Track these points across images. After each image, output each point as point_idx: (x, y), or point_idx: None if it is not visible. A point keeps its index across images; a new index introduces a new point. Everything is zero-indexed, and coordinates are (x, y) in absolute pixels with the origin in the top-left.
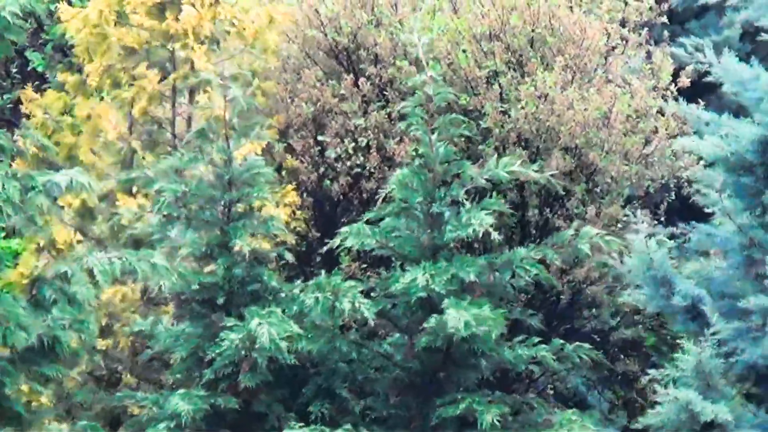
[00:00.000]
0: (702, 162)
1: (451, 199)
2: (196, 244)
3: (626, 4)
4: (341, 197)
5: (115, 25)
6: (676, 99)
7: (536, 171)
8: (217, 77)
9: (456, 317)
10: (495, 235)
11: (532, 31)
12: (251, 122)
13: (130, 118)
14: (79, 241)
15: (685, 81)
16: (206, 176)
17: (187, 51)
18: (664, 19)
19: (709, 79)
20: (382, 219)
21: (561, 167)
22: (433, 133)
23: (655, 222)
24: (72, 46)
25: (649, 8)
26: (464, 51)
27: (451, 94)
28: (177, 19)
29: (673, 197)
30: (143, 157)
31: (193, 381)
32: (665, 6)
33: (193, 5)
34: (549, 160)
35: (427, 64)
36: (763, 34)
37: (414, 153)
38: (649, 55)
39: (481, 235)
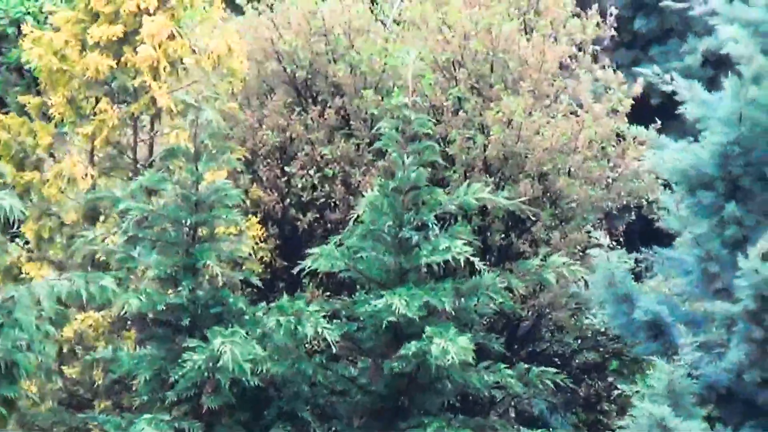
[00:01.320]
0: (661, 182)
1: (419, 223)
2: (162, 265)
3: (585, 27)
4: (306, 227)
5: (79, 53)
6: (637, 123)
7: (505, 198)
8: (188, 101)
9: (440, 345)
10: (478, 264)
11: (493, 56)
12: (220, 146)
13: (92, 146)
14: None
15: (645, 103)
16: (172, 197)
17: (147, 82)
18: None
19: (671, 103)
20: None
21: (527, 193)
22: (407, 157)
23: (617, 245)
24: (31, 69)
25: (602, 29)
26: (427, 77)
27: (430, 121)
28: (135, 52)
29: (638, 222)
30: (104, 185)
31: (156, 403)
32: (627, 32)
33: (152, 41)
34: (515, 186)
35: (376, 91)
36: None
37: (380, 183)
38: (607, 78)
39: (461, 261)
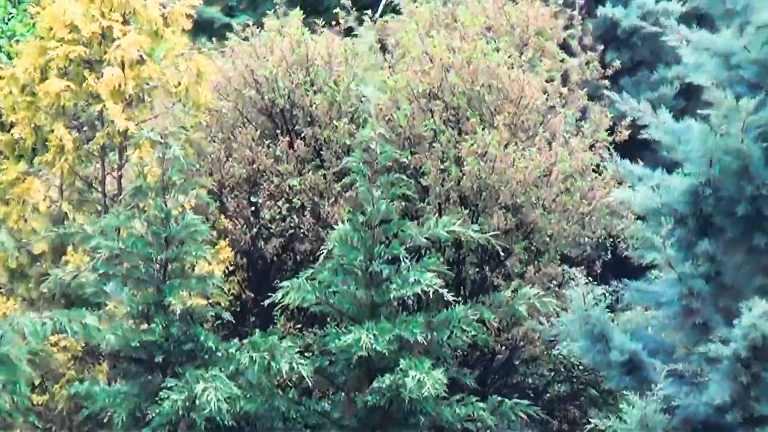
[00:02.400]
0: (634, 216)
1: (390, 257)
2: (133, 302)
3: (562, 61)
4: (275, 258)
5: (40, 82)
6: (611, 155)
7: (476, 231)
8: (154, 134)
9: (415, 378)
10: (447, 295)
11: (471, 89)
12: (188, 180)
13: (60, 179)
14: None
15: (623, 134)
16: (142, 234)
17: (111, 110)
18: (604, 75)
19: (644, 135)
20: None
21: (501, 226)
22: (376, 190)
23: (591, 279)
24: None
25: (588, 64)
26: (403, 109)
27: (396, 152)
28: (99, 78)
29: (610, 255)
30: (73, 219)
31: None
32: (609, 68)
33: (120, 64)
34: (489, 219)
35: (376, 119)
36: None
37: (350, 214)
38: (585, 111)
39: (430, 293)
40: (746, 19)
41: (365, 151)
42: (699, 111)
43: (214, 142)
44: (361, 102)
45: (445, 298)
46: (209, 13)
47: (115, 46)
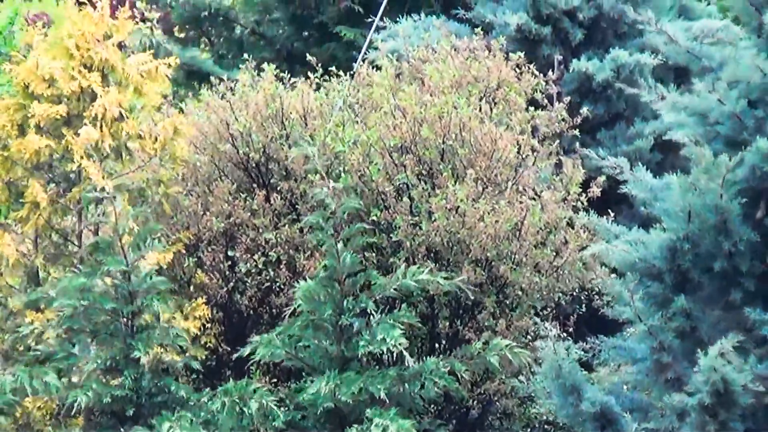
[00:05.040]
0: (610, 272)
1: (359, 310)
2: (101, 358)
3: (535, 110)
4: (251, 312)
5: (17, 137)
6: (586, 210)
7: (445, 278)
8: (120, 189)
9: (380, 425)
10: (408, 359)
11: (443, 143)
12: (143, 231)
13: (35, 233)
14: None
15: (595, 191)
16: (105, 290)
17: (88, 168)
18: (575, 131)
19: (620, 190)
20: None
21: (471, 280)
22: (343, 243)
23: (566, 334)
24: None
25: (561, 119)
26: (375, 163)
27: (355, 203)
28: (77, 134)
29: (584, 309)
30: (47, 273)
31: None
32: (577, 117)
33: (100, 121)
34: (459, 273)
35: (327, 175)
36: None
37: (324, 267)
38: (559, 164)
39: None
40: (719, 76)
41: (322, 207)
42: (677, 166)
43: (191, 195)
44: (336, 158)
45: (406, 360)
46: (199, 60)
47: (97, 105)
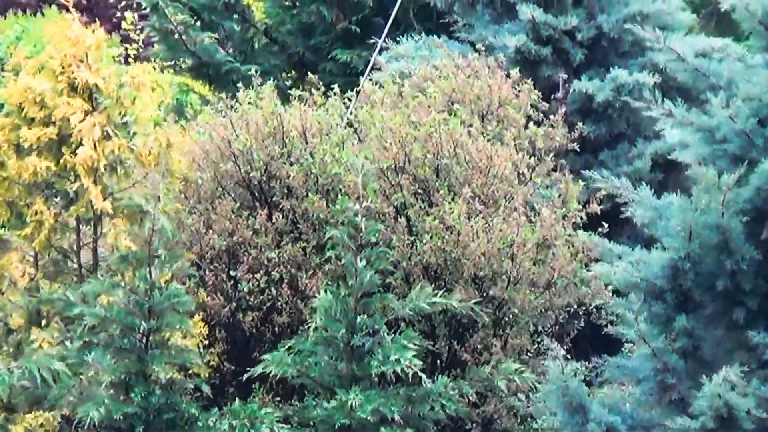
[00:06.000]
0: (610, 289)
1: (371, 330)
2: (115, 371)
3: (531, 125)
4: (254, 330)
5: (16, 158)
6: (587, 229)
7: (458, 301)
8: (138, 203)
9: None
10: (424, 379)
11: (438, 160)
12: (172, 251)
13: (35, 251)
14: None
15: (595, 207)
16: (123, 303)
17: (89, 189)
18: (577, 149)
19: (621, 209)
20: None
21: (465, 299)
22: (366, 262)
23: (565, 352)
24: None
25: (562, 135)
26: (371, 186)
27: (381, 227)
28: (74, 154)
29: (582, 326)
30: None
31: None
32: (576, 134)
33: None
34: (454, 292)
35: (365, 195)
36: None
37: (328, 286)
38: (558, 182)
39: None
40: (731, 93)
41: (346, 226)
42: (678, 186)
43: (193, 213)
44: (335, 176)
45: (423, 380)
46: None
47: (76, 130)
